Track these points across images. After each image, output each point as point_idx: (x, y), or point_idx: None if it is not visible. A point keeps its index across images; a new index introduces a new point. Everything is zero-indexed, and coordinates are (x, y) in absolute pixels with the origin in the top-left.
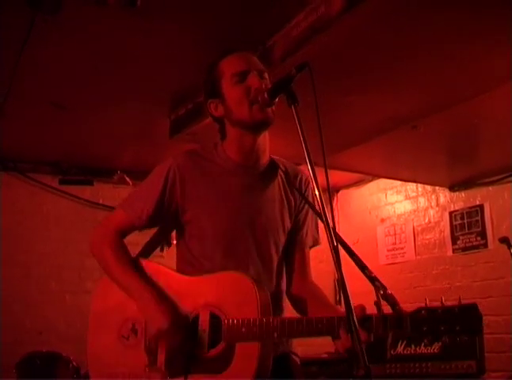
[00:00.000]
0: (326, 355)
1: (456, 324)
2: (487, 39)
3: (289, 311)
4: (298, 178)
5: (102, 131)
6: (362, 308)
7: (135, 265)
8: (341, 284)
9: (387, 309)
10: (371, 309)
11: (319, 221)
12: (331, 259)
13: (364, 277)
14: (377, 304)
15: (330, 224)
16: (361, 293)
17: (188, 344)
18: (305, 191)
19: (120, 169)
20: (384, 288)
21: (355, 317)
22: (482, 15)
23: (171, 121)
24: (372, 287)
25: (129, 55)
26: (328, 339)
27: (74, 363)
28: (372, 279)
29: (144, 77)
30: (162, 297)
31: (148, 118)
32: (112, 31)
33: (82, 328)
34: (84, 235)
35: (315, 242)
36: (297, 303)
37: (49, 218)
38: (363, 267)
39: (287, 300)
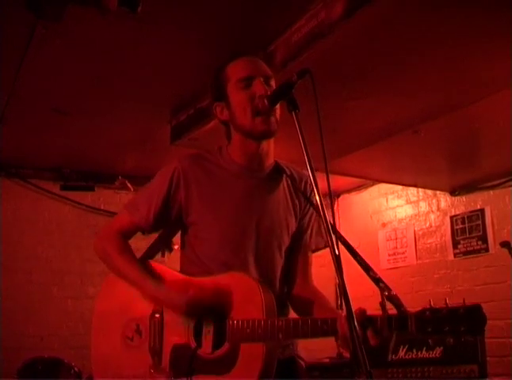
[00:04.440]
0: (327, 360)
1: (460, 325)
2: (487, 45)
3: (293, 314)
4: (303, 182)
5: (103, 137)
6: (363, 311)
7: (138, 260)
8: (342, 289)
9: (391, 311)
10: (373, 313)
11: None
12: (332, 263)
13: (365, 282)
14: (382, 305)
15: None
16: (362, 297)
17: (213, 309)
18: (310, 194)
19: (121, 174)
20: (389, 290)
21: (356, 321)
22: (482, 21)
23: (172, 127)
24: (373, 292)
25: (130, 61)
26: (330, 344)
27: (76, 369)
28: (377, 281)
29: (145, 83)
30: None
31: (149, 124)
32: (113, 37)
33: (84, 333)
34: (85, 241)
35: (325, 244)
36: (298, 306)
37: (51, 223)
38: (367, 269)
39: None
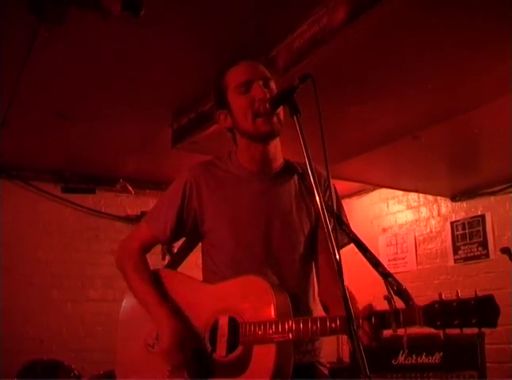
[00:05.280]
0: (327, 365)
1: (471, 317)
2: (487, 51)
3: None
4: (322, 179)
5: (105, 140)
6: (371, 306)
7: (153, 281)
8: (342, 291)
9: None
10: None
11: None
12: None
13: (366, 286)
14: (388, 299)
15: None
16: (364, 301)
17: (193, 363)
18: (325, 191)
19: (122, 177)
20: (399, 284)
21: (355, 323)
22: (482, 27)
23: (173, 130)
24: (373, 296)
25: (132, 64)
26: (330, 348)
27: (76, 372)
28: (386, 275)
29: (147, 86)
30: (174, 314)
31: (150, 127)
32: (115, 41)
33: (84, 336)
34: (86, 243)
35: (349, 240)
36: (326, 305)
37: (51, 226)
38: (376, 265)
39: (318, 302)
